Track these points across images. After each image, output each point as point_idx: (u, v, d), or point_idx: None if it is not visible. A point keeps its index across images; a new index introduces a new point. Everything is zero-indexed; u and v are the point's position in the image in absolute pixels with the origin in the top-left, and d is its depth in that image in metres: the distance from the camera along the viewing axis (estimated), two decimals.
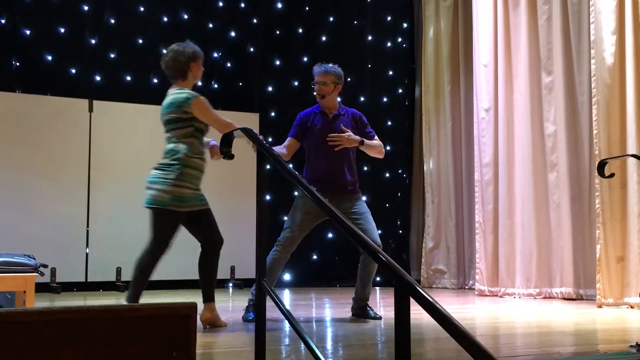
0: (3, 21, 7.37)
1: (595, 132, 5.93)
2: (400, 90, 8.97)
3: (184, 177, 4.21)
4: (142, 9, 7.99)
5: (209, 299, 4.29)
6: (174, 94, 4.32)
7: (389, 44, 9.00)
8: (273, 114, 8.46)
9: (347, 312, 5.13)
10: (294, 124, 5.04)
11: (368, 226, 4.82)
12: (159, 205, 4.20)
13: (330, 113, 5.04)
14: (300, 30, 8.75)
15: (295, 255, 4.99)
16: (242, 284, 7.77)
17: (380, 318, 4.85)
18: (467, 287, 7.95)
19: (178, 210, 4.21)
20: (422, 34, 8.70)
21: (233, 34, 8.47)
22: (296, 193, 5.73)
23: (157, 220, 4.23)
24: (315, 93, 5.05)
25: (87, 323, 1.88)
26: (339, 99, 5.20)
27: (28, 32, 7.45)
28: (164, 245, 4.26)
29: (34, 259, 4.58)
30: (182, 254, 7.64)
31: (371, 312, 4.95)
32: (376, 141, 5.06)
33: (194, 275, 8.00)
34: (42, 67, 7.49)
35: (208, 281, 4.33)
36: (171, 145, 4.27)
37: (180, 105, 4.23)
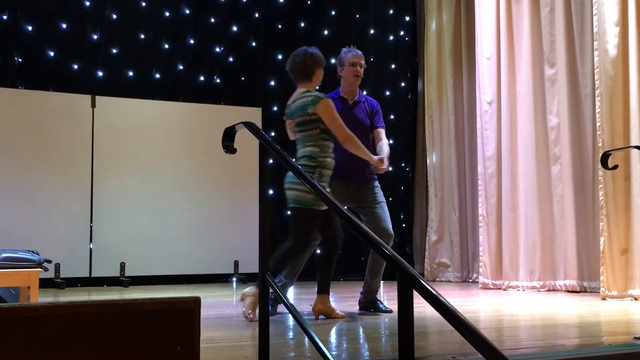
0: (5, 17, 7.37)
1: (598, 124, 5.92)
2: (402, 84, 8.96)
3: (323, 178, 4.42)
4: (143, 4, 7.99)
5: (322, 291, 4.47)
6: (301, 97, 4.47)
7: (391, 38, 8.98)
8: (275, 108, 8.45)
9: (350, 306, 5.13)
10: None
11: (383, 216, 4.85)
12: (303, 205, 4.35)
13: (350, 99, 5.03)
14: (302, 25, 8.74)
15: None
16: (245, 279, 7.77)
17: (391, 311, 4.80)
18: (470, 281, 7.94)
19: (320, 210, 4.38)
20: (424, 27, 8.68)
21: (235, 28, 8.46)
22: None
23: (301, 219, 4.41)
24: (355, 76, 5.01)
25: (92, 318, 1.89)
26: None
27: (30, 28, 7.45)
28: (307, 242, 4.47)
29: (38, 254, 4.59)
30: (187, 249, 7.68)
31: (382, 305, 4.89)
32: (385, 146, 4.98)
33: (198, 270, 8.03)
34: (45, 63, 7.49)
35: (324, 274, 4.51)
36: (308, 149, 4.43)
37: (305, 107, 4.42)
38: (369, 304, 4.91)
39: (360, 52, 5.12)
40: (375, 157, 4.72)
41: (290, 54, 4.73)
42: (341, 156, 4.74)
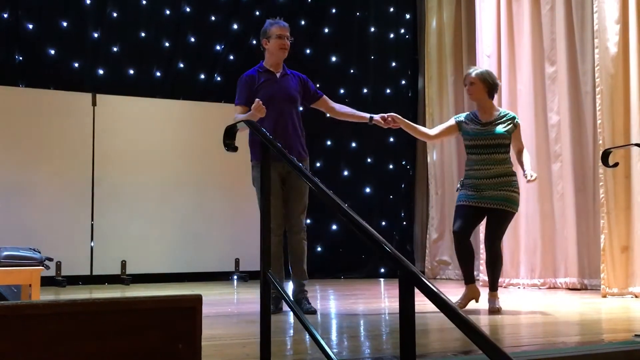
0: (6, 15, 7.36)
1: (599, 121, 5.92)
2: (403, 82, 8.95)
3: None
4: (144, 2, 7.98)
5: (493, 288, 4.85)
6: (508, 118, 4.96)
7: (391, 36, 8.97)
8: None
9: (351, 304, 5.14)
10: (240, 88, 4.81)
11: (298, 200, 4.71)
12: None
13: (278, 71, 4.91)
14: (303, 23, 8.73)
15: None
16: (246, 277, 7.78)
17: (314, 312, 4.55)
18: None
19: None
20: (424, 25, 8.67)
21: (235, 26, 8.46)
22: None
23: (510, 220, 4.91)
24: (281, 48, 4.85)
25: (93, 316, 1.89)
26: None
27: (31, 26, 7.45)
28: None
29: (39, 252, 4.60)
30: (188, 247, 7.69)
31: (307, 304, 4.63)
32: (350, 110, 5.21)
33: (199, 268, 8.01)
34: (45, 62, 7.48)
35: (494, 272, 4.88)
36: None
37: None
38: (295, 297, 4.69)
39: (286, 24, 4.94)
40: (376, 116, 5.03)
41: (483, 76, 4.99)
42: (269, 128, 4.50)
